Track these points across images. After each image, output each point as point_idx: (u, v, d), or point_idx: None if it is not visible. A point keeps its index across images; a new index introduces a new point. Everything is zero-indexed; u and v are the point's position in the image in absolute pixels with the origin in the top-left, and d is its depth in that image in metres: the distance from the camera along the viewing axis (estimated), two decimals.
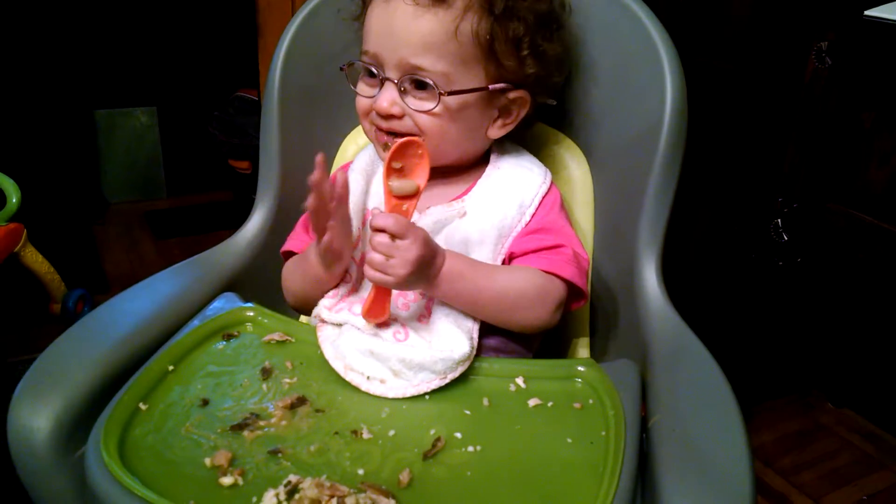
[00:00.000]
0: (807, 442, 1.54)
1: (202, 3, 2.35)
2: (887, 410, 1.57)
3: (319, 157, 0.68)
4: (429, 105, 0.74)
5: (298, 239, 0.84)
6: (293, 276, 0.81)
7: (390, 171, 0.69)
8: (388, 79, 0.74)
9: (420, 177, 0.70)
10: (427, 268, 0.69)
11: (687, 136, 0.81)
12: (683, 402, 0.66)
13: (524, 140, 0.86)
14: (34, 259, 1.70)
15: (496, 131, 0.79)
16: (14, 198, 1.62)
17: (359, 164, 0.82)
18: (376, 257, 0.67)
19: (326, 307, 0.76)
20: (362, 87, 0.78)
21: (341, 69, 0.78)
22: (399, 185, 0.69)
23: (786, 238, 1.37)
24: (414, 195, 0.70)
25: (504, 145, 0.84)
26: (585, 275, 0.77)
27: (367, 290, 0.76)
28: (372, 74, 0.76)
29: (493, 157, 0.83)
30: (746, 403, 1.58)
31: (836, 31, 1.25)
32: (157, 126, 2.44)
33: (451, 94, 0.73)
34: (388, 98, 0.74)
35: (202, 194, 2.51)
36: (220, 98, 2.27)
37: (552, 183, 0.81)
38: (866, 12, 1.20)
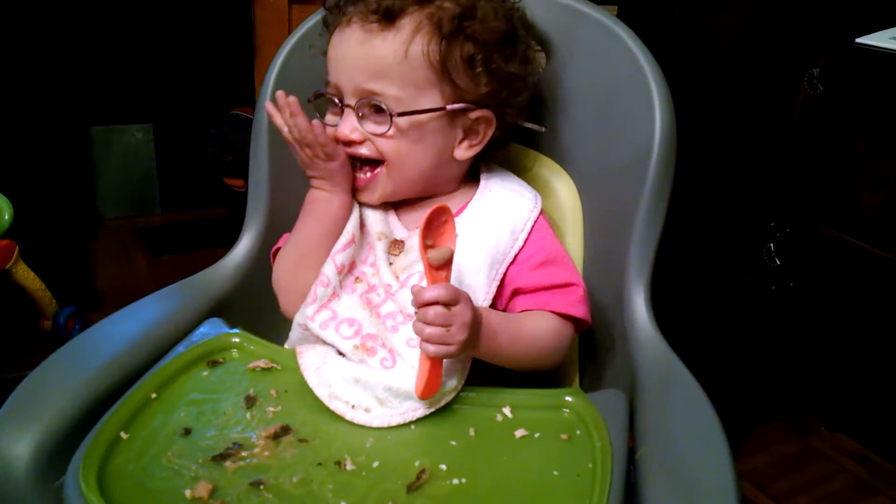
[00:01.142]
0: (800, 466, 1.53)
1: (199, 20, 2.35)
2: (880, 434, 1.56)
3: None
4: (383, 128, 0.74)
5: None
6: (287, 254, 0.80)
7: (425, 248, 0.68)
8: (347, 105, 0.75)
9: (450, 241, 0.70)
10: (476, 326, 0.69)
11: (678, 162, 0.81)
12: (671, 435, 0.66)
13: (505, 162, 0.86)
14: (26, 276, 1.68)
15: (463, 152, 0.79)
16: (7, 214, 1.61)
17: None
18: (434, 331, 0.66)
19: (309, 316, 0.76)
20: (329, 118, 0.79)
21: (309, 101, 0.79)
22: (436, 254, 0.68)
23: (778, 262, 1.37)
24: (450, 261, 0.69)
25: (491, 168, 0.84)
26: (589, 307, 0.78)
27: (355, 308, 0.76)
28: (335, 104, 0.77)
29: (483, 180, 0.82)
30: (740, 427, 1.59)
31: (828, 57, 1.25)
32: (152, 143, 2.43)
33: (401, 114, 0.74)
34: (348, 125, 0.76)
35: (196, 211, 2.51)
36: (215, 116, 2.27)
37: (541, 208, 0.81)
38: (857, 40, 1.20)
